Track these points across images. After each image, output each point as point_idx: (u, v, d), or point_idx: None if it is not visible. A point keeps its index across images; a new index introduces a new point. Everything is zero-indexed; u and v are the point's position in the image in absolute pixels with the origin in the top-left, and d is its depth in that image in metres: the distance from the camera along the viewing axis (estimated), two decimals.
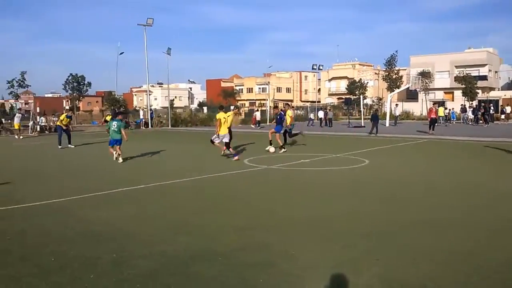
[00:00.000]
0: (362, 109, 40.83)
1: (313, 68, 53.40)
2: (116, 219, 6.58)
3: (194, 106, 79.78)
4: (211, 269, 4.49)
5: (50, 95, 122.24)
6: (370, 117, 28.63)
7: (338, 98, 78.71)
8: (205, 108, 57.10)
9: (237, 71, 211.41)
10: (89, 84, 42.23)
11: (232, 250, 5.06)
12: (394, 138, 22.00)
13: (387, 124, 35.24)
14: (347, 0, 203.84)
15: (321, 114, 39.14)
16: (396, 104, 42.81)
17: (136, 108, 59.72)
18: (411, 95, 61.40)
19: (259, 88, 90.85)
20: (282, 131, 16.02)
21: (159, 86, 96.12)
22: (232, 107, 42.36)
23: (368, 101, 62.53)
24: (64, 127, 18.81)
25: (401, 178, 10.28)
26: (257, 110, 42.77)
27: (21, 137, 25.64)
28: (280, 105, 20.93)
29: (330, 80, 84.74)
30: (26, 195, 8.35)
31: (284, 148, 15.73)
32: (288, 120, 16.31)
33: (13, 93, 39.09)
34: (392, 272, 4.40)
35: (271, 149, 15.46)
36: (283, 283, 4.17)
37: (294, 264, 4.61)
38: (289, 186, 9.35)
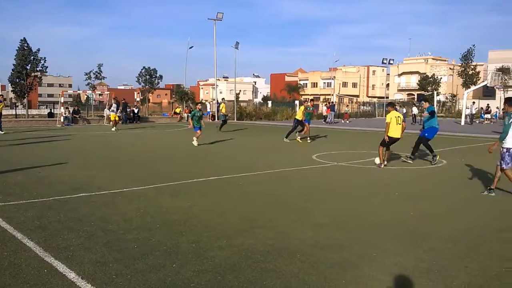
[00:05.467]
0: (435, 106, 38.87)
1: (383, 62, 51.48)
2: (191, 209, 6.69)
3: (258, 100, 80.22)
4: (291, 265, 4.39)
5: (122, 87, 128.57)
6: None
7: (408, 94, 75.65)
8: (269, 102, 57.26)
9: (302, 65, 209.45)
10: (161, 77, 43.86)
11: (309, 247, 4.94)
12: (470, 138, 20.78)
13: (463, 123, 33.37)
14: None
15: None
16: (473, 102, 40.19)
17: (203, 101, 61.15)
18: (487, 92, 57.54)
19: (324, 82, 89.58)
20: None
21: (225, 80, 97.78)
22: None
23: (442, 97, 59.44)
24: None
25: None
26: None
27: (115, 127, 24.53)
28: None
29: (400, 75, 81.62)
30: (107, 182, 8.74)
31: None
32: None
33: (90, 84, 41.54)
34: (478, 278, 4.07)
35: None
36: (367, 287, 3.98)
37: (377, 268, 4.39)
38: (362, 184, 9.05)
